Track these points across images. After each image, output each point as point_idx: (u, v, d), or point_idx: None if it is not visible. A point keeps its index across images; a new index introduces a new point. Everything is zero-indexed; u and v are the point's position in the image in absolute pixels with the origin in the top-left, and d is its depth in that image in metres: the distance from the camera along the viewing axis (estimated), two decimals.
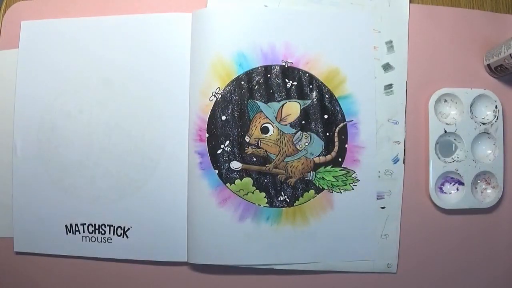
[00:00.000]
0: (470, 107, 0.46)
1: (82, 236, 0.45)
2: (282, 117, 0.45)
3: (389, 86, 0.46)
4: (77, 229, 0.45)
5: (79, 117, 0.46)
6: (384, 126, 0.46)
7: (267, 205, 0.45)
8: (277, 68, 0.45)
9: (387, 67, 0.46)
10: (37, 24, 0.46)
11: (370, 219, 0.45)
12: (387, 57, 0.46)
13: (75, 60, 0.46)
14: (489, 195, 0.46)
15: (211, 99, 0.44)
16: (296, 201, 0.45)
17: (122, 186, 0.45)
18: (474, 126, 0.45)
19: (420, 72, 0.46)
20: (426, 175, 0.45)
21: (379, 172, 0.45)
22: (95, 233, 0.45)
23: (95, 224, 0.45)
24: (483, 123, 0.46)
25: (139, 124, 0.45)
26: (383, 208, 0.45)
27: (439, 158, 0.45)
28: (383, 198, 0.45)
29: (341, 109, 0.45)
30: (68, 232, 0.45)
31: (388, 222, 0.45)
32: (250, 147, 0.45)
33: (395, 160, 0.45)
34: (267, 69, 0.45)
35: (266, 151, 0.45)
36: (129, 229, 0.45)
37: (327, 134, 0.45)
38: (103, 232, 0.45)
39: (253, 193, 0.44)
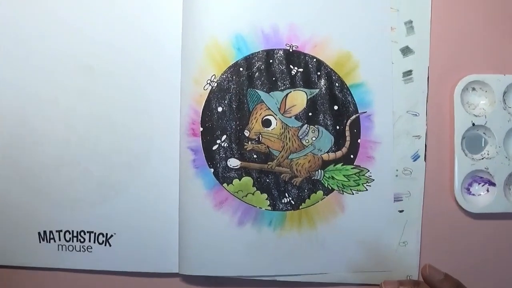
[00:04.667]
0: (503, 96, 0.51)
1: (58, 245, 0.51)
2: (286, 108, 0.50)
3: (409, 72, 0.51)
4: (52, 236, 0.51)
5: (55, 109, 0.51)
6: (402, 118, 0.51)
7: (270, 208, 0.50)
8: (281, 52, 0.50)
9: (406, 51, 0.51)
10: None
11: (387, 224, 0.50)
12: (406, 39, 0.51)
13: (50, 43, 0.51)
14: None
15: (205, 88, 0.50)
16: (302, 204, 0.50)
17: (104, 187, 0.51)
18: (508, 118, 0.51)
19: (444, 56, 0.52)
20: (451, 174, 0.51)
21: (397, 170, 0.51)
22: (72, 241, 0.51)
23: (72, 231, 0.51)
24: None
25: (124, 117, 0.51)
26: (401, 211, 0.51)
27: (466, 155, 0.51)
28: (401, 200, 0.51)
29: (353, 99, 0.50)
30: (41, 240, 0.51)
31: (407, 228, 0.51)
32: (250, 142, 0.50)
33: (415, 157, 0.51)
34: (269, 53, 0.50)
35: (268, 147, 0.50)
36: (112, 236, 0.51)
37: (337, 127, 0.50)
38: (82, 239, 0.51)
39: (253, 194, 0.50)
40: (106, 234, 0.51)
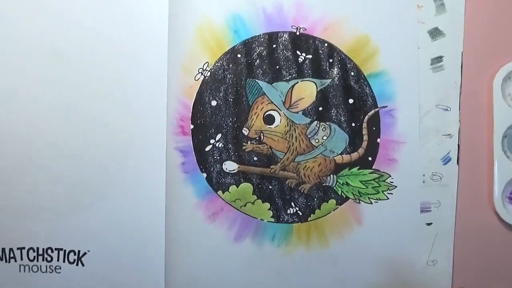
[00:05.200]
0: None
1: (20, 265, 0.50)
2: (292, 102, 0.50)
3: (438, 59, 0.50)
4: (12, 255, 0.50)
5: (14, 102, 0.50)
6: (430, 113, 0.50)
7: (273, 219, 0.50)
8: (286, 36, 0.50)
9: (435, 33, 0.50)
10: None
11: (412, 239, 0.49)
12: (435, 19, 0.50)
13: (7, 22, 0.49)
14: None
15: (197, 78, 0.50)
16: (312, 215, 0.50)
17: (75, 195, 0.50)
18: None
19: (481, 39, 0.51)
20: (490, 180, 0.50)
21: (424, 176, 0.50)
22: (38, 260, 0.50)
23: (37, 248, 0.50)
24: None
25: (99, 112, 0.50)
26: (429, 224, 0.50)
27: (507, 157, 0.50)
28: (430, 211, 0.50)
29: (372, 91, 0.50)
30: (0, 259, 0.50)
31: (436, 244, 0.50)
32: (249, 142, 0.50)
33: (446, 160, 0.50)
34: (272, 37, 0.50)
35: (270, 147, 0.50)
36: (85, 254, 0.50)
37: (353, 124, 0.50)
38: (49, 258, 0.50)
39: (253, 203, 0.50)
40: (78, 251, 0.50)
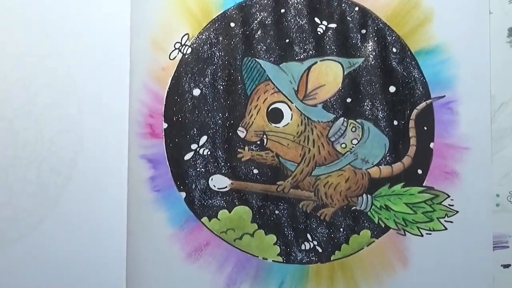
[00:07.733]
0: None
1: None
2: (309, 90, 0.44)
3: None
4: None
5: None
6: (508, 107, 0.45)
7: (281, 258, 0.45)
8: None
9: None
10: None
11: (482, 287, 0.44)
12: None
13: None
14: None
15: (172, 57, 0.45)
16: (336, 252, 0.45)
17: None
18: None
19: None
20: None
21: (498, 196, 0.45)
22: None
23: None
24: None
25: (32, 106, 0.45)
26: (506, 266, 0.45)
27: None
28: (507, 247, 0.45)
29: (423, 75, 0.45)
30: None
31: None
32: (247, 148, 0.45)
33: None
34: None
35: (277, 155, 0.45)
36: None
37: (395, 123, 0.45)
38: None
39: (253, 235, 0.45)
40: None
